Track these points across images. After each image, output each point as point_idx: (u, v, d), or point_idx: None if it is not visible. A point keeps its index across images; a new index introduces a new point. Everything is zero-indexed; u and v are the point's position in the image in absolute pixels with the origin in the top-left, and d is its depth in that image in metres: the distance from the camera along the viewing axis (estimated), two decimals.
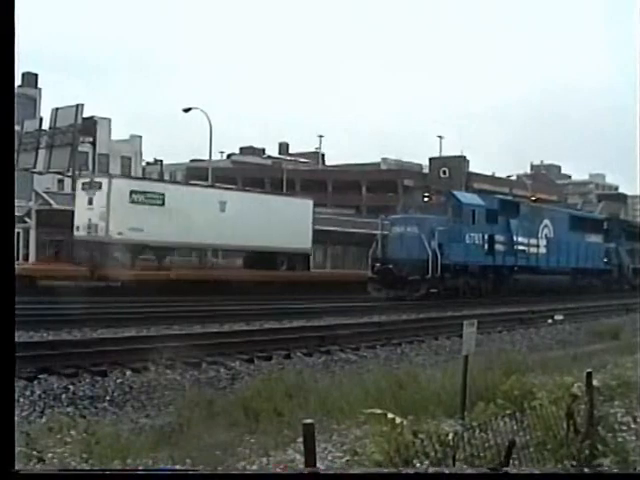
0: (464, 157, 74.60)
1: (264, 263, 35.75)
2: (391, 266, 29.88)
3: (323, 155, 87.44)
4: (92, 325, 16.62)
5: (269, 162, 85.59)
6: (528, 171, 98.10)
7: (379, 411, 4.59)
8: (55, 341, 14.17)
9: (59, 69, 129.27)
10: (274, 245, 35.38)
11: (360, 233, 42.50)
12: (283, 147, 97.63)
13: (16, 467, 2.64)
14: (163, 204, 31.81)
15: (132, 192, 31.15)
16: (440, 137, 74.87)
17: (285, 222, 35.43)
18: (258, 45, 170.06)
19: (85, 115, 45.51)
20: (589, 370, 6.28)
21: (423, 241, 29.46)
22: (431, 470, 3.95)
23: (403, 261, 29.74)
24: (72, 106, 43.39)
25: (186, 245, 34.05)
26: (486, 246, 32.65)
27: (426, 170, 74.78)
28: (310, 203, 39.90)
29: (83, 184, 32.57)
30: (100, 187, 30.90)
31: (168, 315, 19.46)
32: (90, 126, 49.52)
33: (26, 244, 36.97)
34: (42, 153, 43.64)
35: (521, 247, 35.08)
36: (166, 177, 60.23)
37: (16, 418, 2.89)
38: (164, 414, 9.55)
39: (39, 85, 60.10)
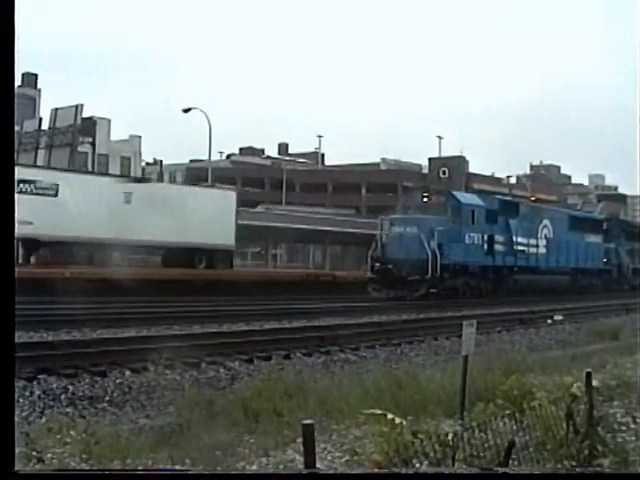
0: (463, 157, 74.59)
1: (181, 260, 32.84)
2: (390, 266, 29.82)
3: (323, 155, 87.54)
4: None
5: (268, 162, 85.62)
6: (528, 171, 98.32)
7: (379, 411, 4.60)
8: None
9: (59, 69, 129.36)
10: (189, 240, 32.39)
11: (359, 233, 42.45)
12: (282, 147, 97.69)
13: (16, 467, 2.64)
14: (56, 195, 29.03)
15: (19, 181, 27.81)
16: (439, 137, 74.70)
17: (203, 215, 32.40)
18: (258, 45, 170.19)
19: (84, 115, 45.52)
20: (588, 370, 6.27)
21: (423, 241, 29.43)
22: (431, 470, 3.95)
23: (403, 261, 29.69)
24: (71, 106, 43.41)
25: (85, 240, 30.72)
26: (486, 246, 32.63)
27: (425, 170, 74.72)
28: (233, 195, 36.66)
29: None
30: None
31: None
32: (89, 126, 49.43)
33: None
34: (41, 153, 43.60)
35: (521, 247, 35.07)
36: (166, 177, 60.09)
37: (16, 418, 2.89)
38: (164, 414, 9.54)
39: (39, 85, 60.26)
